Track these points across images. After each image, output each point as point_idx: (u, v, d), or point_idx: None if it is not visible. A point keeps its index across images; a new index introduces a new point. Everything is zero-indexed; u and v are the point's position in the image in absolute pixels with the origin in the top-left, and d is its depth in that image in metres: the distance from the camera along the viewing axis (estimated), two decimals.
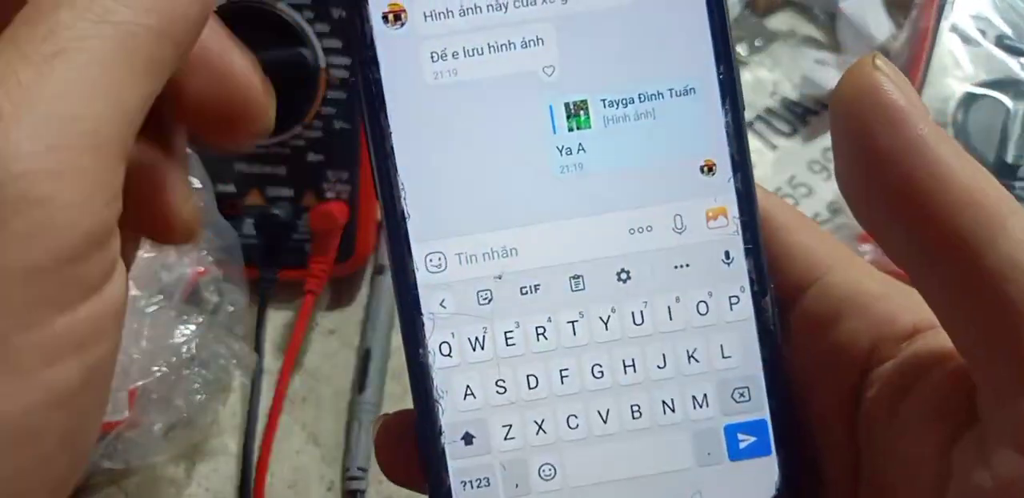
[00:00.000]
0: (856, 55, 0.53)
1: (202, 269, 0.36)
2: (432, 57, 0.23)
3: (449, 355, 0.24)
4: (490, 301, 0.24)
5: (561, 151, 0.23)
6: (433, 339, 0.24)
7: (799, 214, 0.25)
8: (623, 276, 0.24)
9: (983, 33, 0.48)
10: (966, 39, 0.48)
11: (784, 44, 0.51)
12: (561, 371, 0.24)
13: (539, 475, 0.24)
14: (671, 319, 0.24)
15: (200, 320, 0.34)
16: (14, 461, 0.16)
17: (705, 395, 0.24)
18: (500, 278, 0.24)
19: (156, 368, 0.32)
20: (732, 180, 0.24)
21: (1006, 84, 0.46)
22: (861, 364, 0.22)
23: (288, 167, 0.41)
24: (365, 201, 0.41)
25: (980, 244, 0.18)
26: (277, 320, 0.42)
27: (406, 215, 0.23)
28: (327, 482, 0.38)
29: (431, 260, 0.24)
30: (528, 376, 0.24)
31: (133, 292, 0.33)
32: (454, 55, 0.23)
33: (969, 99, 0.47)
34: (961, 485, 0.19)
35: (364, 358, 0.40)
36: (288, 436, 0.39)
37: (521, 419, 0.24)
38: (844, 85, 0.20)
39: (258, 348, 0.40)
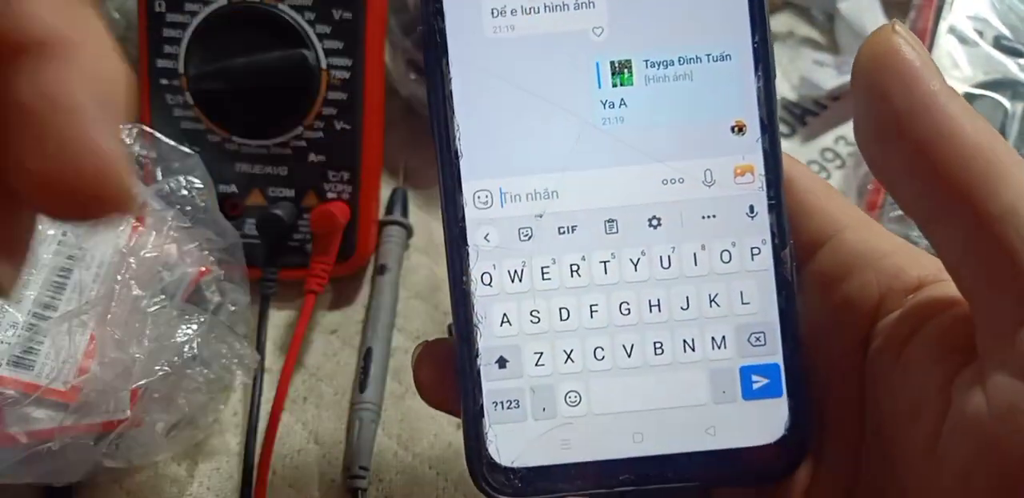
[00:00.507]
0: (854, 56, 0.53)
1: (204, 269, 0.36)
2: (492, 13, 0.25)
3: (489, 285, 0.26)
4: (530, 238, 0.26)
5: (604, 105, 0.26)
6: (476, 269, 0.26)
7: (818, 178, 0.27)
8: (654, 222, 0.26)
9: (981, 34, 0.48)
10: (964, 40, 0.47)
11: (782, 45, 0.51)
12: (591, 306, 0.26)
13: (565, 401, 0.26)
14: (696, 265, 0.26)
15: (202, 320, 0.34)
16: None
17: (724, 337, 0.26)
18: (541, 217, 0.26)
19: (158, 367, 0.32)
20: (760, 140, 0.25)
21: (1004, 85, 0.46)
22: (870, 315, 0.24)
23: (289, 167, 0.41)
24: (366, 201, 0.41)
25: (985, 192, 0.20)
26: (278, 320, 0.42)
27: (459, 154, 0.26)
28: (328, 481, 0.38)
29: (479, 197, 0.26)
30: (560, 309, 0.26)
31: (135, 292, 0.33)
32: (512, 12, 0.25)
33: (967, 100, 0.47)
34: (959, 412, 0.21)
35: (365, 357, 0.40)
36: (289, 435, 0.39)
37: (551, 348, 0.26)
38: (865, 48, 0.22)
39: (259, 347, 0.40)
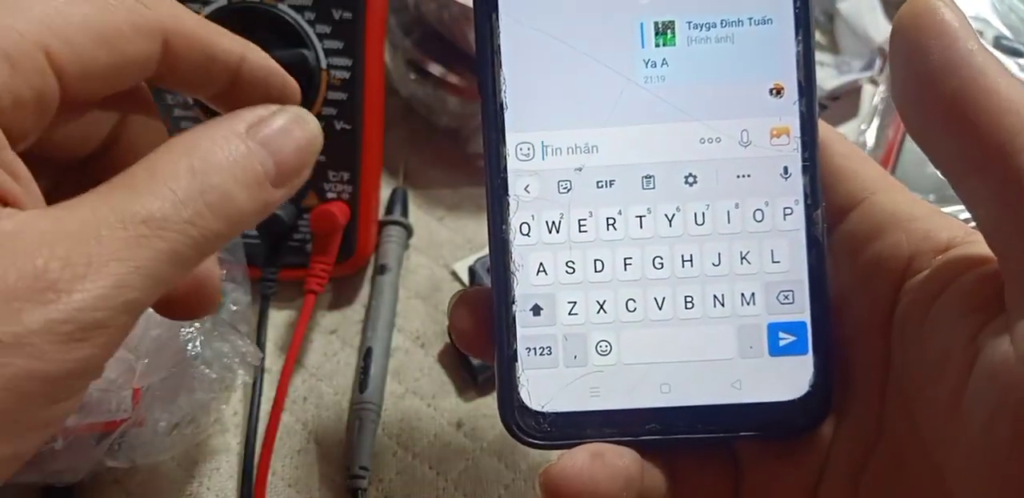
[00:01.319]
0: (854, 56, 0.53)
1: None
2: None
3: (527, 234, 0.26)
4: (569, 190, 0.26)
5: (647, 64, 0.26)
6: (515, 218, 0.26)
7: (851, 144, 0.27)
8: (690, 180, 0.26)
9: (981, 34, 0.48)
10: None
11: None
12: (625, 259, 0.26)
13: (596, 350, 0.26)
14: (729, 223, 0.26)
15: (204, 319, 0.34)
16: None
17: (753, 294, 0.26)
18: (580, 170, 0.26)
19: (160, 367, 0.32)
20: (797, 103, 0.26)
21: None
22: (899, 275, 0.25)
23: None
24: (366, 201, 0.42)
25: (1017, 146, 0.20)
26: (278, 320, 0.42)
27: (504, 106, 0.26)
28: (328, 481, 0.37)
29: (521, 149, 0.26)
30: (595, 260, 0.26)
31: None
32: None
33: None
34: (986, 361, 0.21)
35: (365, 357, 0.40)
36: (290, 435, 0.39)
37: (585, 298, 0.26)
38: (906, 8, 0.22)
39: (259, 347, 0.40)
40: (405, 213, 0.46)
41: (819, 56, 0.52)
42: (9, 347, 0.17)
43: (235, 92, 0.24)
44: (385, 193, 0.46)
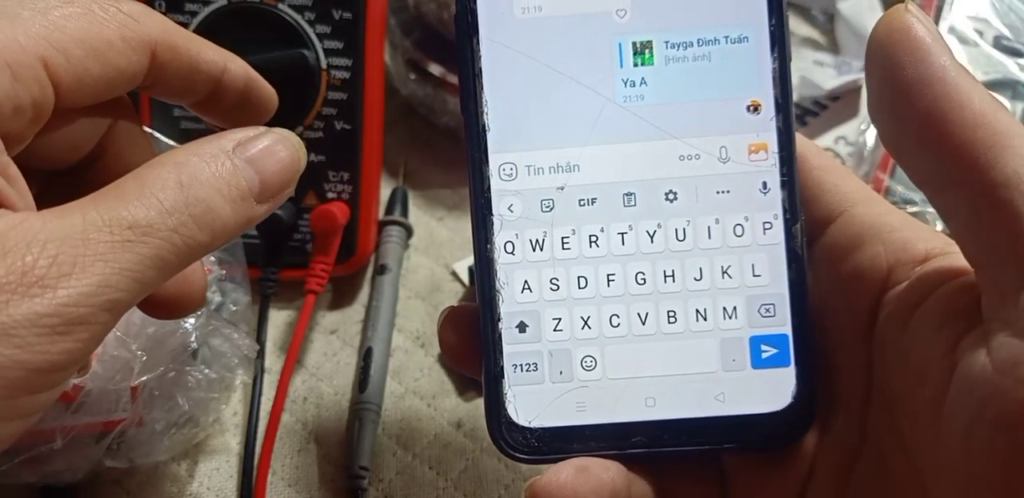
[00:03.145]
0: (854, 56, 0.53)
1: (205, 269, 0.36)
2: None
3: (512, 253, 0.27)
4: (552, 209, 0.27)
5: (625, 83, 0.27)
6: (500, 238, 0.27)
7: (830, 157, 0.28)
8: (670, 196, 0.27)
9: (981, 34, 0.48)
10: (964, 40, 0.48)
11: None
12: (608, 275, 0.27)
13: (581, 365, 0.27)
14: (710, 238, 0.27)
15: (203, 318, 0.34)
16: None
17: (735, 307, 0.27)
18: (562, 189, 0.27)
19: (159, 362, 0.32)
20: (774, 119, 0.27)
21: (1004, 85, 0.47)
22: (879, 286, 0.25)
23: None
24: (366, 201, 0.42)
25: (990, 160, 0.21)
26: (278, 320, 0.42)
27: (487, 128, 0.27)
28: (328, 481, 0.37)
29: (504, 169, 0.27)
30: (579, 277, 0.27)
31: None
32: None
33: None
34: (964, 371, 0.21)
35: (365, 357, 0.40)
36: (289, 435, 0.39)
37: (569, 314, 0.27)
38: (880, 24, 0.23)
39: (259, 347, 0.40)
40: (405, 213, 0.46)
41: (819, 56, 0.53)
42: None
43: (216, 100, 0.26)
44: (385, 193, 0.46)
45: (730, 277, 0.27)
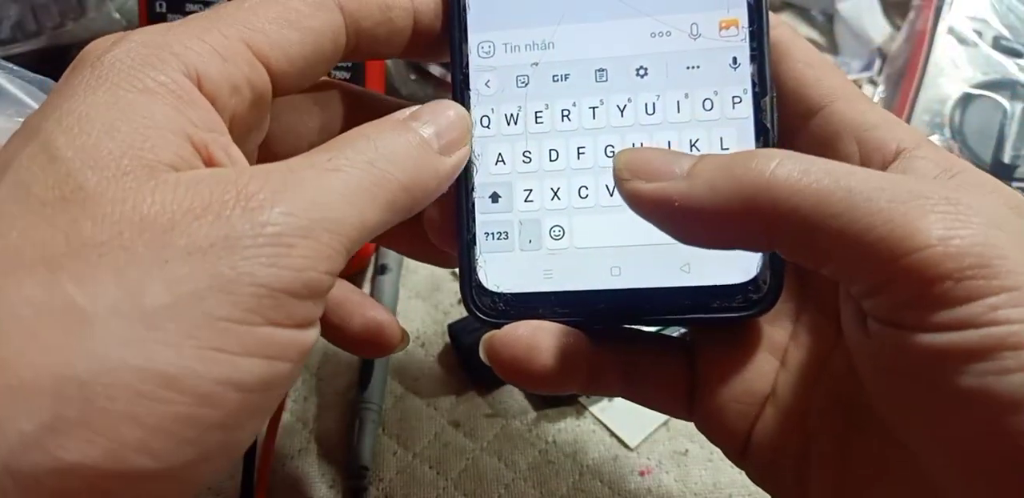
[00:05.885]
0: (854, 57, 0.53)
1: None
2: None
3: (487, 127, 0.28)
4: (527, 85, 0.28)
5: None
6: (475, 112, 0.28)
7: (815, 51, 0.28)
8: (641, 72, 0.27)
9: (980, 34, 0.48)
10: (963, 41, 0.48)
11: None
12: (579, 148, 0.28)
13: (550, 235, 0.28)
14: (679, 112, 0.27)
15: None
16: (181, 412, 0.19)
17: None
18: (536, 65, 0.28)
19: None
20: None
21: (1003, 85, 0.47)
22: None
23: None
24: None
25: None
26: None
27: (467, 7, 0.28)
28: (329, 480, 0.38)
29: (482, 47, 0.28)
30: (551, 150, 0.28)
31: None
32: None
33: (966, 100, 0.47)
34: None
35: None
36: (290, 435, 0.39)
37: (540, 186, 0.28)
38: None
39: None
40: None
41: None
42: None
43: (419, 33, 0.28)
44: None
45: (698, 150, 0.27)
